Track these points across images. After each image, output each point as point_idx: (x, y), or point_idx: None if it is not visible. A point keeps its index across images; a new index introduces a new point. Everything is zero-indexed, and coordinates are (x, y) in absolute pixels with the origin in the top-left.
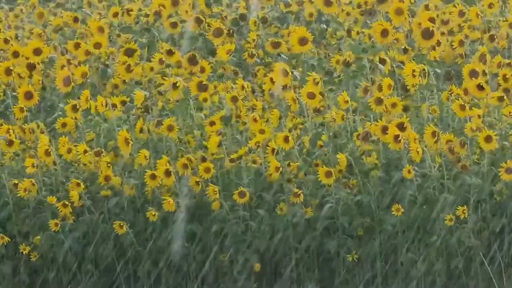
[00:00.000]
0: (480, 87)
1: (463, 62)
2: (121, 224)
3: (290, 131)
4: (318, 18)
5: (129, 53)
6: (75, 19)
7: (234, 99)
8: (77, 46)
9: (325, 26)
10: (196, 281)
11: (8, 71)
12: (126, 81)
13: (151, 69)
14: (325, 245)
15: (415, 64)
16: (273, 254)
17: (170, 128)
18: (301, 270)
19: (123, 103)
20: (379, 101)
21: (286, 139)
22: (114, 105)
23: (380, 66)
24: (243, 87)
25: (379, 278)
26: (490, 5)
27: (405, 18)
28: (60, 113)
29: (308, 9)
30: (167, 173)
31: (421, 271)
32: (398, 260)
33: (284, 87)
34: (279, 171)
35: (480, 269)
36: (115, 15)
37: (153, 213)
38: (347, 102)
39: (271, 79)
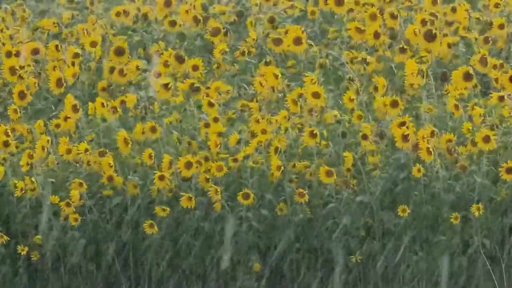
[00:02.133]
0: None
1: (458, 63)
2: (152, 223)
3: (286, 130)
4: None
5: (119, 52)
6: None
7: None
8: (57, 48)
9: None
10: (197, 281)
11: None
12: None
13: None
14: (326, 245)
15: (415, 63)
16: (274, 254)
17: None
18: (303, 270)
19: (123, 103)
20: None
21: (312, 134)
22: (114, 108)
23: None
24: (228, 92)
25: (381, 278)
26: (496, 5)
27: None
28: (54, 113)
29: (310, 8)
30: (188, 164)
31: (423, 271)
32: (400, 260)
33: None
34: (281, 170)
35: (481, 268)
36: (118, 14)
37: (164, 208)
38: (352, 100)
39: (260, 83)
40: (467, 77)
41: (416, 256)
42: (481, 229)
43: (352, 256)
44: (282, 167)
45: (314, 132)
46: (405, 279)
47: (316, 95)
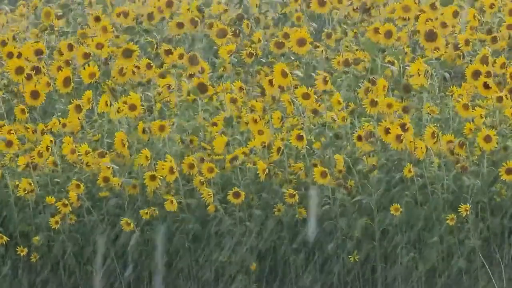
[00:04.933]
0: (486, 86)
1: (465, 63)
2: (128, 221)
3: (287, 131)
4: (316, 19)
5: (127, 54)
6: (97, 19)
7: (234, 101)
8: (70, 47)
9: (315, 25)
10: (195, 281)
11: (19, 70)
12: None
13: (139, 72)
14: (324, 246)
15: (421, 63)
16: (272, 255)
17: (161, 129)
18: (300, 271)
19: (125, 103)
20: (374, 103)
21: (299, 137)
22: (132, 106)
23: (393, 68)
24: (241, 89)
25: (379, 279)
26: (491, 5)
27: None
28: (59, 113)
29: (297, 13)
30: (171, 170)
31: (421, 271)
32: (398, 261)
33: (283, 88)
34: (266, 173)
35: (480, 269)
36: (119, 15)
37: (145, 212)
38: (340, 103)
39: (270, 81)
40: (476, 75)
41: (414, 257)
42: (480, 230)
43: (350, 256)
44: (267, 170)
45: (301, 134)
46: (403, 280)
47: (306, 96)
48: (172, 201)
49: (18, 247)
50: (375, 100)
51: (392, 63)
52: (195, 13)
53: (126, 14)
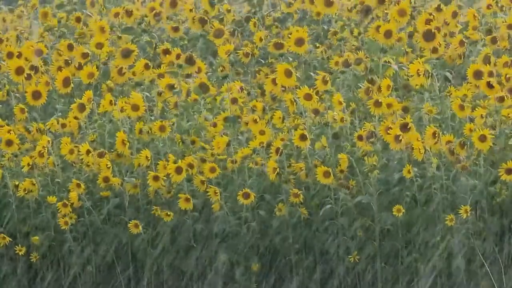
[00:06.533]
0: (489, 85)
1: (462, 63)
2: (137, 223)
3: (289, 131)
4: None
5: (126, 53)
6: (77, 19)
7: (234, 101)
8: (70, 47)
9: (325, 27)
10: (196, 281)
11: (19, 70)
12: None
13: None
14: (325, 246)
15: (420, 64)
16: (273, 255)
17: (161, 129)
18: (301, 271)
19: (127, 103)
20: (378, 103)
21: (302, 137)
22: (134, 106)
23: (394, 67)
24: (241, 88)
25: (379, 279)
26: (489, 6)
27: (407, 19)
28: (60, 114)
29: (315, 9)
30: (178, 170)
31: (421, 271)
32: (398, 261)
33: (286, 88)
34: (276, 172)
35: (479, 269)
36: (116, 15)
37: (168, 213)
38: (341, 103)
39: (273, 80)
40: (477, 75)
41: (414, 257)
42: (479, 230)
43: (350, 256)
44: (278, 169)
45: (304, 134)
46: (403, 280)
47: (308, 97)
48: (188, 199)
49: (16, 246)
50: (380, 100)
51: (396, 63)
52: (206, 7)
53: (129, 13)
